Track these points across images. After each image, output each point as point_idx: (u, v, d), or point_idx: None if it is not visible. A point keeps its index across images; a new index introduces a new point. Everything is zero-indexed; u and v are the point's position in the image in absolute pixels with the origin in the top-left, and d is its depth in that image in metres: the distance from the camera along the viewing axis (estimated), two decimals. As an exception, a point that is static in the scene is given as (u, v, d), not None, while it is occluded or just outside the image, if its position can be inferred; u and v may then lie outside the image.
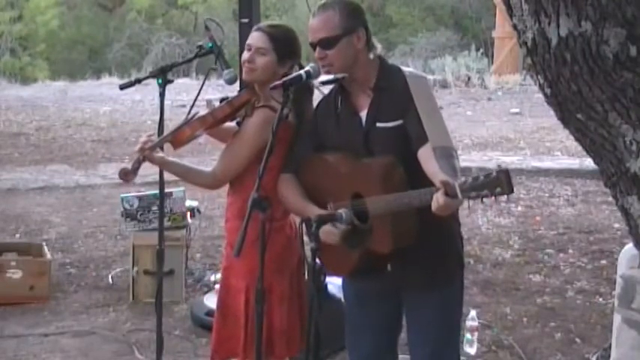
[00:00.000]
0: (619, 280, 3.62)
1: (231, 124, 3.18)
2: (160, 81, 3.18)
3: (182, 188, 5.49)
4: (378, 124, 2.73)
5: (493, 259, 6.30)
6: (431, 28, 24.52)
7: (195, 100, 3.16)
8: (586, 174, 9.11)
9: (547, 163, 10.15)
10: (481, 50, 19.45)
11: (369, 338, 2.94)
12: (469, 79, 17.76)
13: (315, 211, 2.78)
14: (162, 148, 3.11)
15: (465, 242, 2.94)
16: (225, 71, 3.18)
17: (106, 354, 4.56)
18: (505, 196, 2.24)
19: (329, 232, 2.65)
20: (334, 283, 4.31)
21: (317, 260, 2.53)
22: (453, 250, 2.85)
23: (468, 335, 4.43)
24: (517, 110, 14.79)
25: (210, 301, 4.70)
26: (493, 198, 2.25)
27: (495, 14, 19.89)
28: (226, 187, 3.19)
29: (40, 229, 7.21)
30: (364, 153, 2.75)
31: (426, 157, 2.55)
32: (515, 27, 3.13)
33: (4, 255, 5.50)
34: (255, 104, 3.04)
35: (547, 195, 8.71)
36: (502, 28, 18.66)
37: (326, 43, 2.72)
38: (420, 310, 2.85)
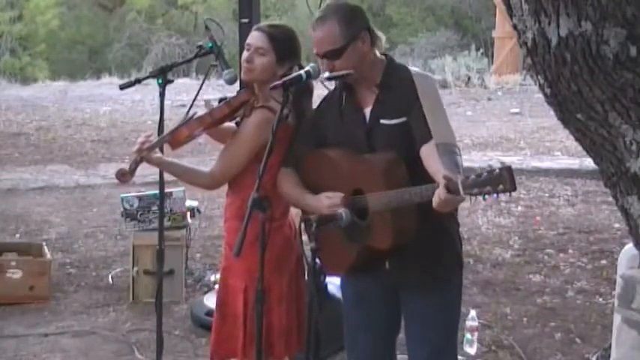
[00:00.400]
0: (619, 280, 3.62)
1: (231, 124, 3.18)
2: (160, 81, 3.18)
3: (182, 188, 5.49)
4: (382, 121, 2.73)
5: (493, 259, 6.30)
6: (431, 28, 24.51)
7: (194, 99, 3.16)
8: (586, 174, 9.11)
9: (547, 163, 10.15)
10: (481, 50, 19.43)
11: (367, 338, 2.94)
12: (469, 79, 17.75)
13: (311, 200, 2.79)
14: (162, 149, 3.11)
15: (465, 242, 2.94)
16: (225, 71, 3.18)
17: (106, 354, 4.56)
18: (507, 194, 2.23)
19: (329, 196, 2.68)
20: (334, 283, 4.31)
21: (317, 260, 2.53)
22: (451, 249, 2.84)
23: (468, 335, 4.43)
24: (517, 110, 14.79)
25: (210, 301, 4.70)
26: (495, 195, 2.24)
27: (495, 14, 19.88)
28: (226, 187, 3.19)
29: (40, 229, 7.21)
30: (366, 149, 2.75)
31: (428, 154, 2.55)
32: (515, 27, 3.13)
33: (4, 255, 5.50)
34: (254, 105, 3.04)
35: (547, 195, 8.71)
36: (502, 28, 18.65)
37: (332, 55, 2.73)
38: (418, 309, 2.85)
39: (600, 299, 5.40)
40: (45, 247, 5.71)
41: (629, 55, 2.92)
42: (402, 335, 3.02)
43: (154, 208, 5.29)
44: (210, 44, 3.22)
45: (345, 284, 3.03)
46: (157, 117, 3.19)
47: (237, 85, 3.56)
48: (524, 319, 5.02)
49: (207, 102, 3.09)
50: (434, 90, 2.63)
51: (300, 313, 3.15)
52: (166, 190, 4.01)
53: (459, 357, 3.92)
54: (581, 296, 5.48)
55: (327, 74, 2.79)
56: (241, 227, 2.98)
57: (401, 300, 2.89)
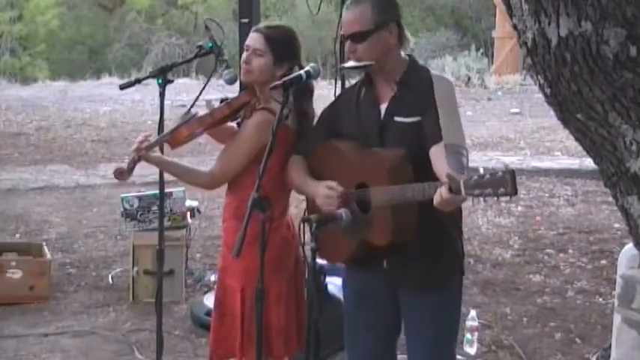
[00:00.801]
0: (619, 280, 3.62)
1: (232, 124, 3.18)
2: (160, 81, 3.18)
3: (182, 188, 5.49)
4: (396, 118, 2.74)
5: (493, 259, 6.30)
6: (431, 28, 24.50)
7: (195, 99, 3.16)
8: (586, 174, 9.11)
9: (547, 163, 10.15)
10: (481, 50, 19.44)
11: (368, 338, 2.94)
12: (469, 79, 17.76)
13: (314, 185, 2.79)
14: (162, 149, 3.11)
15: (465, 242, 2.94)
16: (225, 71, 3.18)
17: (106, 354, 4.56)
18: (508, 197, 2.23)
19: (328, 195, 2.69)
20: (334, 283, 4.31)
21: (317, 260, 2.53)
22: (451, 251, 2.84)
23: (468, 335, 4.43)
24: (517, 110, 14.80)
25: (210, 301, 4.67)
26: (495, 198, 2.24)
27: (495, 14, 19.88)
28: (225, 187, 3.19)
29: (40, 229, 7.21)
30: (377, 145, 2.76)
31: (437, 155, 2.56)
32: (515, 27, 3.13)
33: (4, 255, 5.50)
34: (255, 106, 3.04)
35: (547, 195, 8.72)
36: (502, 28, 18.65)
37: (357, 37, 2.73)
38: (417, 310, 2.85)
39: (600, 299, 5.40)
40: (45, 247, 5.71)
41: (629, 55, 2.92)
42: (402, 335, 3.02)
43: (154, 208, 5.29)
44: (210, 44, 3.22)
45: (345, 284, 3.03)
46: (157, 117, 3.19)
47: (237, 86, 3.56)
48: (524, 319, 5.02)
49: (208, 102, 3.09)
50: (451, 93, 2.64)
51: (299, 313, 3.15)
52: (166, 190, 4.01)
53: (459, 357, 3.93)
54: (581, 296, 5.48)
55: (348, 63, 2.80)
56: (239, 227, 2.99)
57: (400, 300, 2.89)
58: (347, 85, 3.20)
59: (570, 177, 9.44)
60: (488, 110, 15.19)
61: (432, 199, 2.40)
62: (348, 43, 2.77)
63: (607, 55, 2.92)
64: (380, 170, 2.65)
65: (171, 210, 5.36)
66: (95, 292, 5.57)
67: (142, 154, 2.99)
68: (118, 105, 15.59)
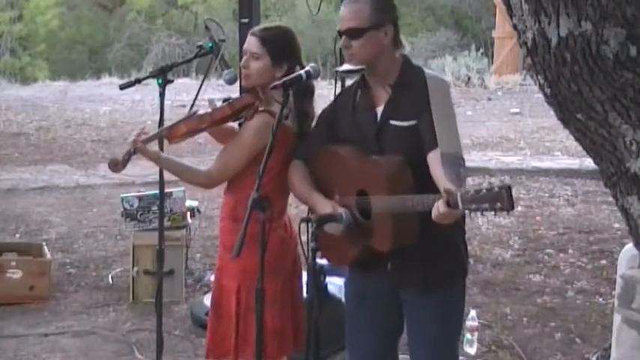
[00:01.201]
0: (619, 280, 3.62)
1: (234, 125, 3.18)
2: (160, 81, 3.18)
3: (182, 188, 5.49)
4: (392, 122, 2.73)
5: (493, 259, 6.30)
6: (431, 28, 24.50)
7: (195, 97, 3.16)
8: (586, 174, 9.11)
9: (547, 163, 10.15)
10: (481, 50, 19.43)
11: (369, 338, 2.94)
12: (469, 79, 17.75)
13: (319, 199, 2.79)
14: (162, 147, 3.11)
15: (467, 246, 2.93)
16: (225, 71, 3.19)
17: (106, 354, 4.56)
18: (505, 212, 2.24)
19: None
20: (334, 283, 4.31)
21: (317, 260, 2.53)
22: (454, 254, 2.84)
23: (468, 335, 4.43)
24: (517, 110, 14.79)
25: (210, 301, 4.70)
26: (493, 212, 2.25)
27: (495, 14, 19.87)
28: (224, 187, 3.19)
29: (40, 229, 7.21)
30: (376, 149, 2.75)
31: (435, 161, 2.56)
32: (515, 27, 3.13)
33: (4, 255, 5.50)
34: (257, 108, 3.04)
35: (547, 195, 8.72)
36: (502, 28, 18.63)
37: (352, 34, 2.73)
38: (420, 311, 2.85)
39: (600, 299, 5.40)
40: (45, 247, 5.72)
41: (629, 55, 2.92)
42: (404, 336, 3.02)
43: (154, 208, 5.29)
44: (210, 44, 3.22)
45: (348, 284, 3.03)
46: (157, 117, 3.19)
47: (237, 86, 3.56)
48: (524, 319, 5.02)
49: (210, 101, 3.09)
50: (446, 96, 2.63)
51: (296, 314, 3.16)
52: (166, 190, 4.01)
53: (459, 357, 3.92)
54: (581, 296, 5.48)
55: (343, 67, 2.80)
56: (234, 228, 3.00)
57: (403, 301, 2.89)
58: (347, 85, 3.19)
59: (570, 177, 9.44)
60: (488, 110, 15.19)
61: (431, 210, 2.40)
62: (343, 39, 2.76)
63: (607, 55, 2.92)
64: (379, 178, 2.65)
65: (171, 210, 5.36)
66: (95, 292, 5.57)
67: (138, 147, 2.99)
68: (118, 105, 15.59)
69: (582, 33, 2.91)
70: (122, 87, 3.32)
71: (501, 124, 13.65)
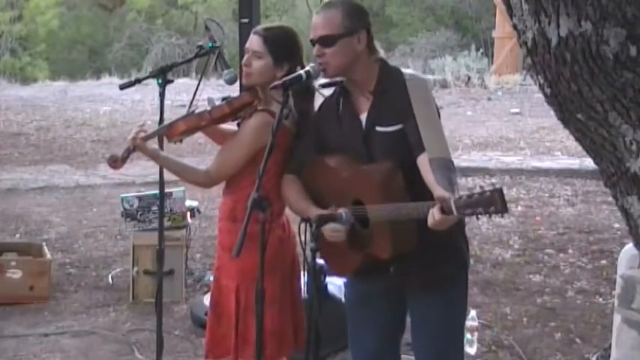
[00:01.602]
0: (619, 280, 3.62)
1: (232, 126, 3.18)
2: (160, 81, 3.18)
3: (182, 188, 5.50)
4: (378, 128, 2.72)
5: (493, 259, 6.30)
6: (431, 28, 24.51)
7: (193, 96, 3.16)
8: (586, 174, 9.11)
9: (547, 163, 10.15)
10: (481, 50, 19.44)
11: (372, 336, 2.94)
12: (469, 79, 17.74)
13: (316, 211, 2.78)
14: (161, 146, 3.11)
15: (468, 243, 2.93)
16: (225, 71, 3.19)
17: (106, 354, 4.56)
18: (499, 215, 2.24)
19: (334, 229, 2.66)
20: (334, 283, 4.31)
21: (317, 260, 2.53)
22: (455, 251, 2.84)
23: (468, 335, 4.43)
24: (517, 110, 14.79)
25: (210, 301, 4.70)
26: (487, 216, 2.25)
27: (495, 14, 19.88)
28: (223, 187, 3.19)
29: (40, 229, 7.21)
30: (365, 156, 2.74)
31: (425, 164, 2.53)
32: (515, 27, 3.13)
33: (4, 255, 5.50)
34: (256, 107, 3.04)
35: (547, 195, 8.71)
36: (502, 28, 18.64)
37: (325, 41, 2.72)
38: (424, 311, 2.85)
39: (600, 299, 5.40)
40: (45, 247, 5.71)
41: (629, 55, 2.92)
42: (405, 335, 3.02)
43: (154, 208, 5.29)
44: (210, 44, 3.22)
45: (349, 285, 3.03)
46: (157, 117, 3.19)
47: (237, 86, 3.56)
48: (524, 319, 5.02)
49: (209, 100, 3.09)
50: (427, 96, 2.58)
51: (295, 314, 3.16)
52: (166, 190, 4.01)
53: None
54: (581, 296, 5.48)
55: (321, 81, 2.81)
56: (232, 228, 3.00)
57: (407, 302, 2.89)
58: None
59: (570, 177, 9.44)
60: (488, 110, 15.19)
61: (427, 217, 2.40)
62: (315, 47, 2.74)
63: (607, 55, 2.92)
64: (371, 187, 2.64)
65: (171, 210, 5.36)
66: (95, 292, 5.57)
67: (137, 144, 2.99)
68: (118, 105, 15.59)
69: (582, 33, 2.91)
70: (122, 87, 3.32)
71: (501, 124, 13.65)
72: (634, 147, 3.03)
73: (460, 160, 9.90)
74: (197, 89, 3.22)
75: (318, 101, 3.06)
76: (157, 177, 3.31)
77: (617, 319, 3.68)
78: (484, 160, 10.35)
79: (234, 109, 3.04)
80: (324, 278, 4.19)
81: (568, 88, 3.03)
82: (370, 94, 2.75)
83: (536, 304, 5.31)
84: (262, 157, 2.67)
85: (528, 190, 8.90)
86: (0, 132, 12.74)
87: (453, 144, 11.03)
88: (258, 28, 3.13)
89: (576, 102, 3.05)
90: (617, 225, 7.14)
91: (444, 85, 17.28)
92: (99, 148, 11.46)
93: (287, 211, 3.15)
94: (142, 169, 9.23)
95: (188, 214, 5.55)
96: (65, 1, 27.80)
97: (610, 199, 3.84)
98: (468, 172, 9.37)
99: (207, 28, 3.29)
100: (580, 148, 3.40)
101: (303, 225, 2.66)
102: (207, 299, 4.92)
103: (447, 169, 2.44)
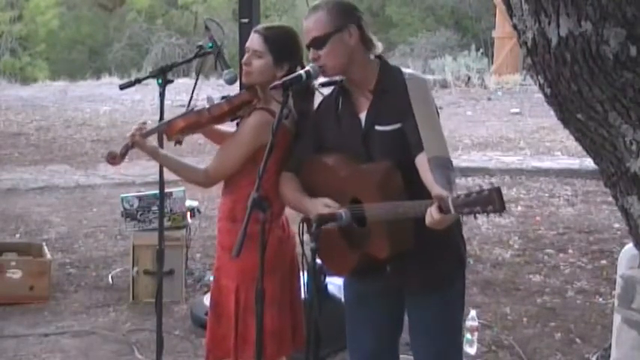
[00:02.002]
0: (619, 280, 3.62)
1: (231, 128, 3.18)
2: (160, 81, 3.18)
3: (182, 188, 5.50)
4: (377, 127, 2.72)
5: (493, 259, 6.30)
6: (431, 28, 24.51)
7: (191, 96, 3.16)
8: (586, 174, 9.11)
9: (547, 163, 10.15)
10: (481, 50, 19.43)
11: (370, 336, 2.95)
12: (469, 79, 17.74)
13: (311, 203, 2.78)
14: (161, 144, 3.11)
15: (465, 242, 2.94)
16: (225, 71, 3.19)
17: (106, 354, 4.56)
18: (497, 214, 2.24)
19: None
20: (334, 283, 4.31)
21: (317, 260, 2.53)
22: (453, 250, 2.84)
23: (468, 335, 4.43)
24: (517, 110, 14.79)
25: (210, 301, 4.70)
26: (485, 215, 2.25)
27: (495, 14, 19.88)
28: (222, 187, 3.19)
29: (40, 229, 7.21)
30: (363, 155, 2.74)
31: (423, 163, 2.54)
32: (515, 27, 3.13)
33: (4, 255, 5.50)
34: (255, 106, 3.04)
35: (547, 195, 8.71)
36: (502, 28, 18.64)
37: (317, 43, 2.72)
38: (422, 310, 2.85)
39: (600, 299, 5.40)
40: (45, 247, 5.71)
41: (629, 55, 2.92)
42: (404, 335, 3.02)
43: (154, 208, 5.29)
44: (210, 44, 3.22)
45: (347, 284, 3.03)
46: (157, 117, 3.20)
47: (237, 86, 3.56)
48: (524, 319, 5.02)
49: (209, 98, 3.09)
50: (426, 96, 2.59)
51: (295, 314, 3.16)
52: (166, 190, 4.01)
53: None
54: (581, 296, 5.48)
55: (320, 80, 2.80)
56: (231, 228, 3.00)
57: (405, 302, 2.89)
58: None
59: (570, 177, 9.44)
60: (488, 110, 15.18)
61: (424, 216, 2.40)
62: (310, 51, 2.75)
63: (607, 55, 2.92)
64: (369, 186, 2.64)
65: (171, 210, 5.36)
66: (95, 292, 5.57)
67: (135, 140, 2.99)
68: (118, 105, 15.59)
69: (582, 33, 2.91)
70: (122, 87, 3.33)
71: (501, 124, 13.65)
72: (634, 147, 3.03)
73: (460, 160, 9.90)
74: (194, 88, 3.22)
75: (317, 101, 3.07)
76: (156, 177, 3.31)
77: (617, 319, 3.68)
78: (484, 160, 10.35)
79: (233, 107, 3.04)
80: (324, 278, 4.19)
81: (568, 88, 3.03)
82: (370, 93, 2.75)
83: (536, 304, 5.31)
84: (261, 156, 2.67)
85: (528, 190, 8.90)
86: (0, 132, 12.74)
87: (453, 144, 11.03)
88: (259, 27, 3.13)
89: (576, 102, 3.05)
90: (617, 225, 7.14)
91: (444, 85, 17.29)
92: (99, 148, 11.45)
93: (286, 211, 3.15)
94: (142, 169, 9.23)
95: (188, 214, 5.55)
96: (65, 1, 27.81)
97: (610, 199, 3.84)
98: (467, 172, 9.37)
99: (207, 28, 3.29)
100: (580, 148, 3.40)
101: (302, 225, 2.67)
102: (207, 299, 4.92)
103: (445, 168, 2.44)
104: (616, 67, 2.93)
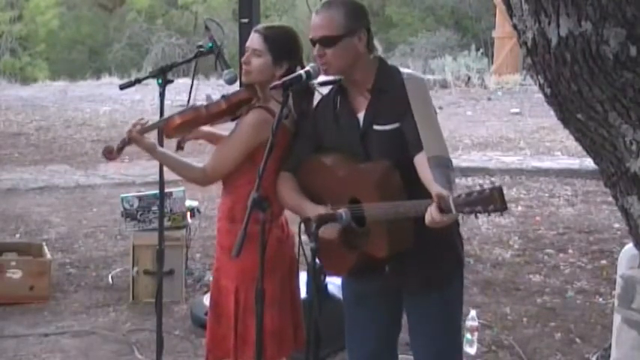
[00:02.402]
0: (619, 280, 3.62)
1: (226, 133, 3.18)
2: (160, 81, 3.18)
3: (182, 188, 5.50)
4: (375, 127, 2.72)
5: (493, 259, 6.30)
6: (431, 28, 24.52)
7: (189, 96, 3.16)
8: (586, 174, 9.11)
9: (547, 163, 10.15)
10: (481, 50, 19.44)
11: (369, 336, 2.95)
12: (469, 79, 17.75)
13: (310, 207, 2.78)
14: (161, 143, 3.10)
15: (465, 242, 2.94)
16: (225, 71, 3.19)
17: (106, 354, 4.56)
18: (498, 213, 2.23)
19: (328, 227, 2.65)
20: (334, 283, 4.31)
21: (317, 260, 2.53)
22: (451, 250, 2.84)
23: (468, 335, 4.43)
24: (517, 110, 14.79)
25: (210, 301, 4.70)
26: (487, 214, 2.24)
27: (495, 14, 19.89)
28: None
29: (40, 229, 7.21)
30: (362, 154, 2.74)
31: (422, 163, 2.53)
32: (515, 27, 3.13)
33: (4, 255, 5.50)
34: (254, 104, 3.04)
35: (547, 195, 8.71)
36: (502, 28, 18.65)
37: (326, 42, 2.71)
38: (421, 310, 2.85)
39: (600, 299, 5.40)
40: (45, 247, 5.71)
41: (629, 55, 2.92)
42: (403, 335, 3.02)
43: (154, 208, 5.29)
44: (210, 44, 3.22)
45: (345, 285, 3.03)
46: (157, 117, 3.19)
47: (237, 86, 3.56)
48: (524, 319, 5.02)
49: (208, 97, 3.09)
50: (424, 95, 2.59)
51: (295, 314, 3.15)
52: (166, 190, 4.01)
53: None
54: (581, 296, 5.48)
55: (319, 79, 2.79)
56: (230, 228, 3.00)
57: (403, 302, 2.89)
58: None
59: (570, 177, 9.44)
60: (488, 110, 15.19)
61: (424, 216, 2.40)
62: (316, 47, 2.73)
63: (607, 55, 2.92)
64: (368, 186, 2.64)
65: (171, 210, 5.36)
66: (95, 292, 5.57)
67: (132, 136, 2.98)
68: (118, 105, 15.60)
69: (582, 33, 2.91)
70: (122, 87, 3.33)
71: (501, 124, 13.65)
72: (634, 147, 3.03)
73: (460, 160, 9.90)
74: (191, 90, 3.22)
75: (317, 101, 3.07)
76: (156, 177, 3.31)
77: (617, 319, 3.68)
78: (484, 160, 10.35)
79: (231, 105, 3.03)
80: (324, 278, 4.19)
81: (568, 88, 3.03)
82: (368, 93, 2.75)
83: (536, 304, 5.31)
84: (259, 155, 2.67)
85: (528, 190, 8.90)
86: (0, 132, 12.75)
87: (453, 144, 11.04)
88: (259, 26, 3.13)
89: (576, 102, 3.05)
90: (617, 225, 7.14)
91: (444, 85, 17.29)
92: (99, 148, 11.36)
93: (286, 211, 3.15)
94: (142, 169, 9.23)
95: (188, 214, 5.55)
96: (65, 1, 27.82)
97: (610, 199, 3.84)
98: (468, 172, 9.37)
99: (207, 28, 3.29)
100: (580, 148, 3.40)
101: (302, 225, 2.66)
102: (207, 299, 4.92)
103: (445, 167, 2.44)
104: (616, 67, 2.93)
